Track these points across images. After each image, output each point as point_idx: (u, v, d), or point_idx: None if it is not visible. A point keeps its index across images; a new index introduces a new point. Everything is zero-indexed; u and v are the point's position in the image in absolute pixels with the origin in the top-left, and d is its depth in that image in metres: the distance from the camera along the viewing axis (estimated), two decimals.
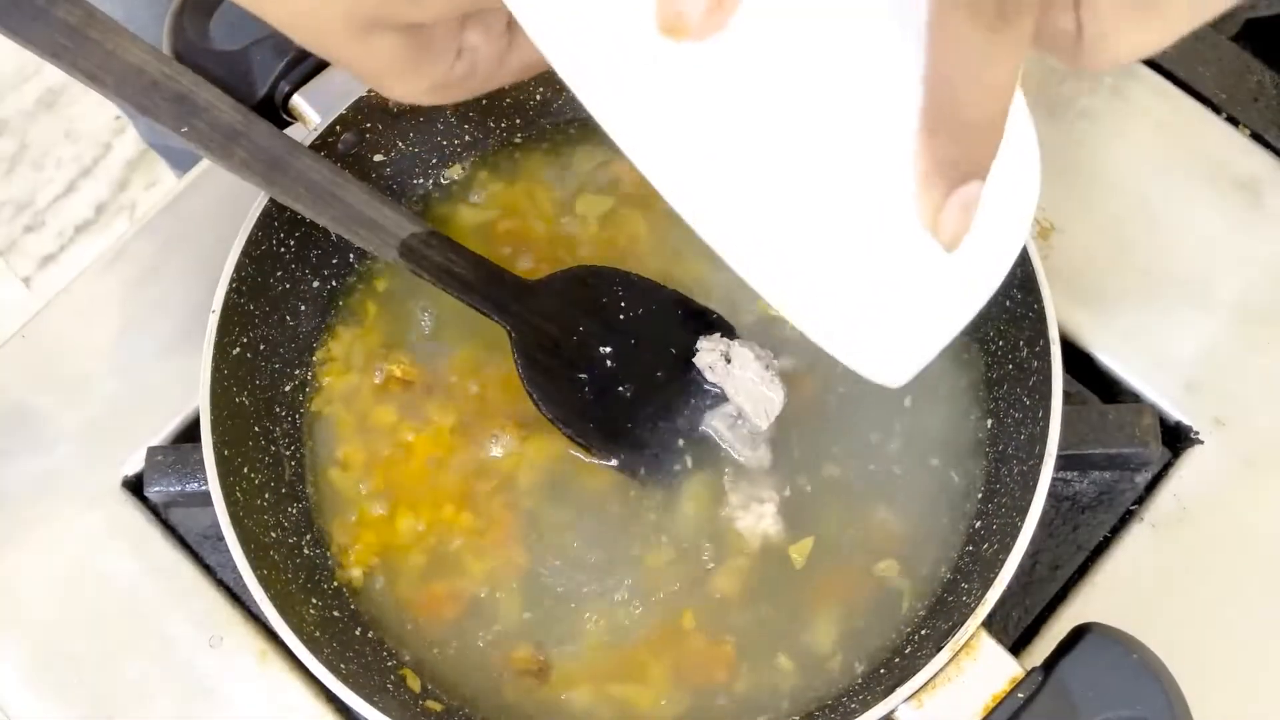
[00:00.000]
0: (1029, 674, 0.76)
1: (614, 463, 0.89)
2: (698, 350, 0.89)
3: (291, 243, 0.92)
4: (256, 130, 0.81)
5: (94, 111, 2.39)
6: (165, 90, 0.79)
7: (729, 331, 0.91)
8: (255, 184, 0.81)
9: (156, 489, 0.95)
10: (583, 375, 0.88)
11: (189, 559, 0.96)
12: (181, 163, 1.56)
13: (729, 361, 0.88)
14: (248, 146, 0.80)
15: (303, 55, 0.90)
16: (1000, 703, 0.76)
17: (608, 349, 0.88)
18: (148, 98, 0.79)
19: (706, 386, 0.90)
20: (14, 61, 2.46)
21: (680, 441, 0.90)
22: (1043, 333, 0.84)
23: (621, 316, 0.89)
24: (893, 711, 0.77)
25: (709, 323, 0.91)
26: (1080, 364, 0.96)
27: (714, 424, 0.90)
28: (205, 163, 1.07)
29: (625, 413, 0.89)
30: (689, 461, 0.90)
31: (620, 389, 0.89)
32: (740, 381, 0.88)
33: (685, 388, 0.90)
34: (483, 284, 0.85)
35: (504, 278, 0.87)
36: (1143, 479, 0.94)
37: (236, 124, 0.80)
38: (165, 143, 1.51)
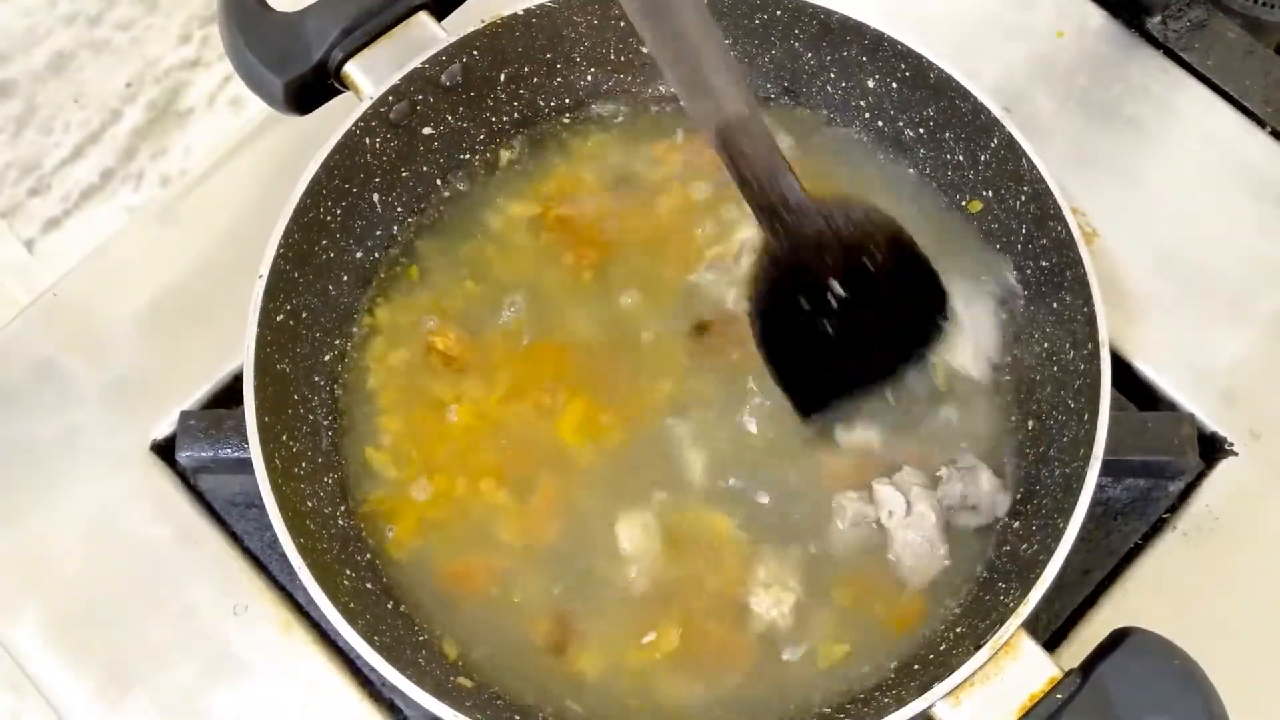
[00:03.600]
0: (1067, 675, 0.76)
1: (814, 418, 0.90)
2: (882, 486, 0.88)
3: (338, 212, 0.91)
4: None
5: (104, 77, 2.37)
6: None
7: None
8: (634, 20, 0.75)
9: (187, 454, 0.94)
10: (806, 308, 0.86)
11: (215, 526, 0.96)
12: None
13: (908, 512, 0.87)
14: None
15: (357, 23, 0.90)
16: (1038, 703, 0.76)
17: (842, 300, 0.85)
18: None
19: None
20: (24, 23, 2.43)
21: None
22: (1092, 336, 0.84)
23: (872, 275, 0.86)
24: (930, 708, 0.76)
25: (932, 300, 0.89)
26: (1117, 370, 0.96)
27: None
28: (248, 131, 1.07)
29: (824, 365, 0.88)
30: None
31: (830, 341, 0.87)
32: (906, 539, 0.87)
33: (887, 380, 0.90)
34: (772, 187, 0.81)
35: (795, 192, 0.82)
36: (1176, 488, 0.94)
37: None
38: None
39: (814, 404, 0.89)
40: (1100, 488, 0.92)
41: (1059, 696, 0.76)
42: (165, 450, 0.97)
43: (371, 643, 0.78)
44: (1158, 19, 1.05)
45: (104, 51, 2.39)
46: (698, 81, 0.77)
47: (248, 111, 2.13)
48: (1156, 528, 0.94)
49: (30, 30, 2.37)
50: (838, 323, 0.85)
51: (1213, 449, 0.95)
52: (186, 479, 0.97)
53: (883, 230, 0.85)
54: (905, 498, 0.87)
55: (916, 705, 0.76)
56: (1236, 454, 0.95)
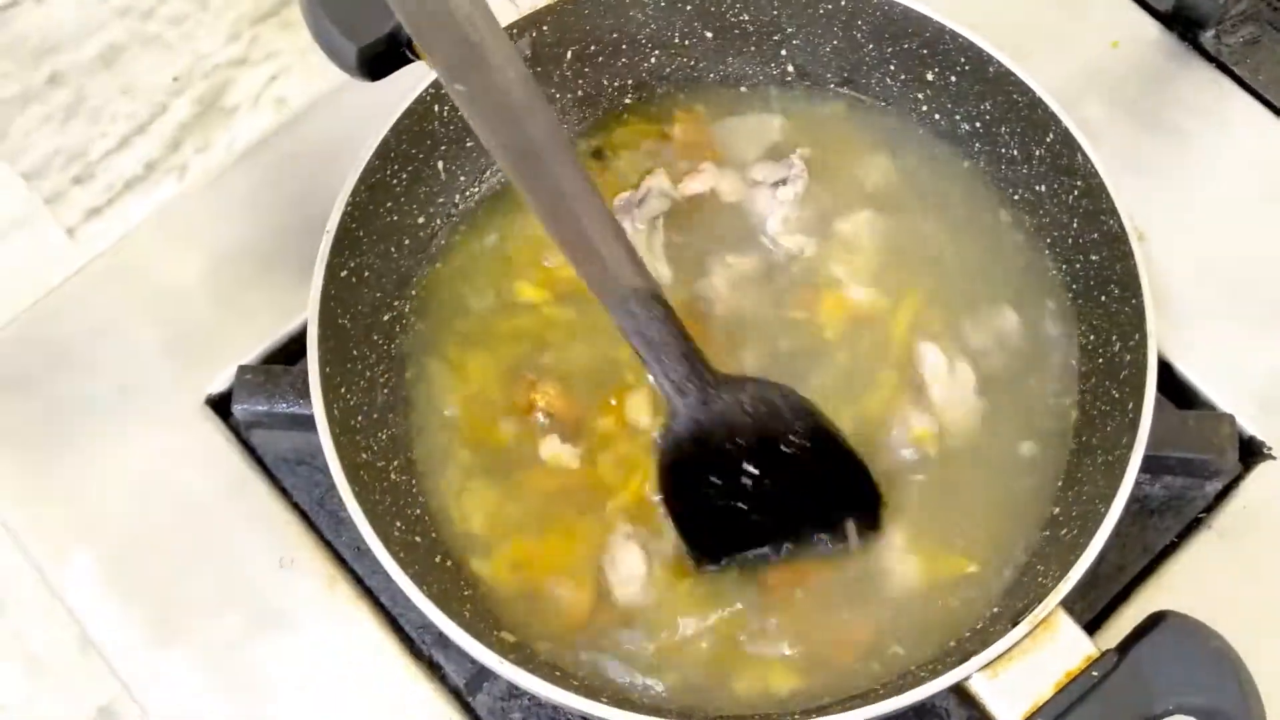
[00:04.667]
0: (1104, 654, 0.77)
1: (708, 569, 0.88)
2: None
3: (404, 176, 0.93)
4: (534, 118, 0.72)
5: (153, 71, 2.39)
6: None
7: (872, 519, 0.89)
8: (507, 172, 0.74)
9: (243, 407, 0.96)
10: (716, 481, 0.86)
11: (265, 480, 0.97)
12: None
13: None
14: (516, 130, 0.71)
15: None
16: (1074, 679, 0.77)
17: (754, 473, 0.86)
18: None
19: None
20: (77, 15, 2.46)
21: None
22: (1139, 328, 0.85)
23: (784, 450, 0.86)
24: (966, 680, 0.77)
25: (861, 499, 0.89)
26: (1158, 370, 0.97)
27: None
28: (303, 108, 1.09)
29: (737, 533, 0.88)
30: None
31: (744, 510, 0.87)
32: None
33: (801, 540, 0.89)
34: (677, 363, 0.82)
35: (701, 368, 0.82)
36: (1213, 488, 0.95)
37: (514, 101, 0.71)
38: None
39: (710, 557, 0.88)
40: (1137, 485, 0.92)
41: (1095, 674, 0.76)
42: (219, 405, 0.99)
43: (422, 590, 0.79)
44: (1211, 33, 1.07)
45: (154, 46, 2.42)
46: (592, 252, 0.76)
47: (292, 109, 2.16)
48: (1191, 526, 0.95)
49: (83, 22, 2.40)
50: (746, 499, 0.86)
51: (1250, 452, 0.96)
52: (239, 434, 0.99)
53: (797, 412, 0.85)
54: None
55: (953, 675, 0.77)
56: (1275, 458, 0.96)
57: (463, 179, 0.98)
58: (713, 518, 0.87)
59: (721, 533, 0.87)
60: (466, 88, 0.69)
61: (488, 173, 0.99)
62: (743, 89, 1.02)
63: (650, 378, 0.83)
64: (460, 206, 0.98)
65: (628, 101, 1.02)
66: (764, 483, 0.86)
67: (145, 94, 2.46)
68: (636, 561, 0.88)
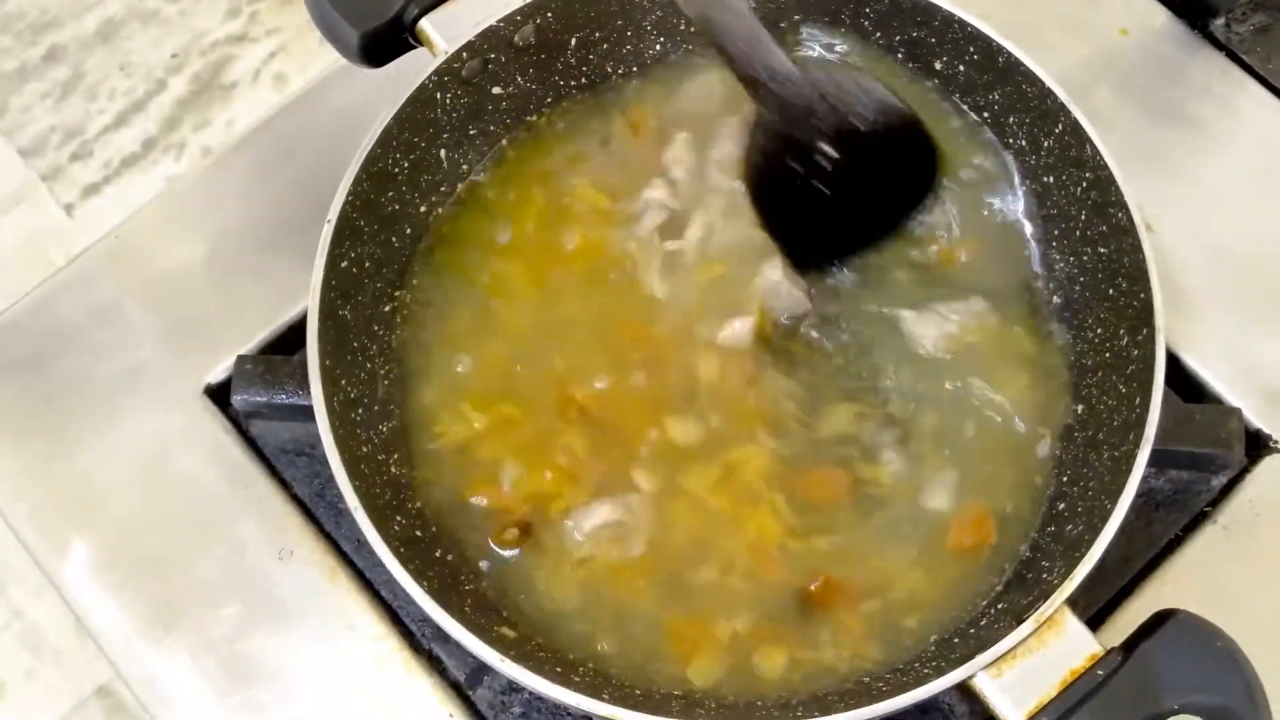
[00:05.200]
0: (1109, 653, 0.77)
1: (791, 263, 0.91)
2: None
3: (406, 165, 0.92)
4: None
5: (152, 47, 2.39)
6: None
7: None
8: None
9: (242, 397, 0.96)
10: (800, 171, 0.88)
11: (265, 471, 0.97)
12: None
13: None
14: None
15: None
16: (1079, 678, 0.76)
17: (834, 160, 0.88)
18: None
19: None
20: None
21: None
22: (1147, 321, 0.85)
23: (863, 137, 0.88)
24: (970, 678, 0.77)
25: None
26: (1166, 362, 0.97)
27: None
28: (303, 85, 1.08)
29: (819, 225, 0.91)
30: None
31: (824, 201, 0.89)
32: None
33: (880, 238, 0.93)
34: (753, 59, 0.84)
35: (783, 55, 0.85)
36: (1219, 482, 0.95)
37: None
38: None
39: (811, 262, 0.92)
40: (1143, 479, 0.92)
41: (1100, 673, 0.76)
42: (218, 394, 0.99)
43: (421, 585, 0.79)
44: (1221, 21, 1.06)
45: (153, 22, 2.41)
46: None
47: (291, 88, 2.15)
48: (1197, 520, 0.94)
49: None
50: (830, 183, 0.88)
51: (1257, 446, 0.96)
52: (238, 424, 0.98)
53: (871, 95, 0.88)
54: None
55: (958, 674, 0.77)
56: None
57: (464, 166, 0.97)
58: (798, 209, 0.90)
59: (813, 235, 0.91)
60: None
61: (488, 159, 0.98)
62: None
63: (735, 76, 0.85)
64: (463, 194, 0.97)
65: (634, 85, 1.00)
66: (843, 168, 0.88)
67: (143, 71, 2.46)
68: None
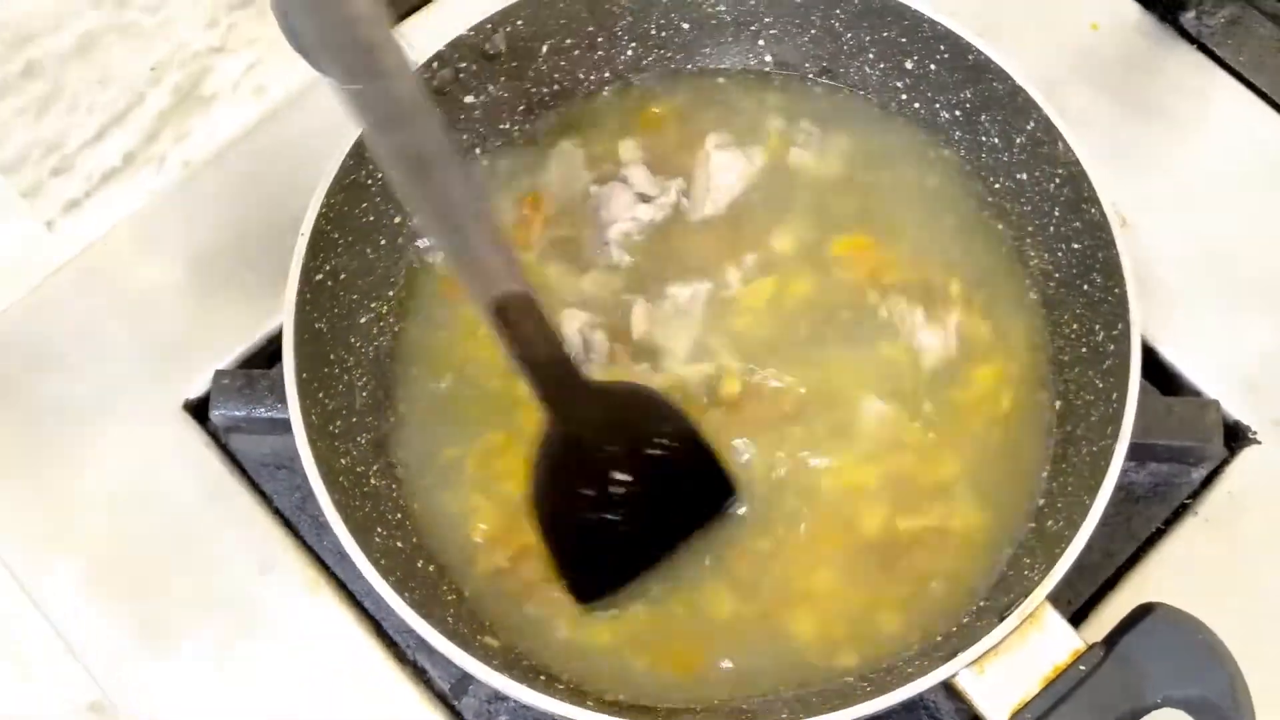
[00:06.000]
0: (1091, 648, 0.77)
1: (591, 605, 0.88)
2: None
3: (379, 175, 0.92)
4: (423, 122, 0.69)
5: (131, 59, 2.37)
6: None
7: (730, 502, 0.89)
8: (394, 177, 0.72)
9: (220, 412, 0.95)
10: (589, 493, 0.85)
11: (245, 485, 0.97)
12: None
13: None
14: (407, 135, 0.69)
15: None
16: (1061, 674, 0.76)
17: (627, 481, 0.86)
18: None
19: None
20: (53, 3, 2.44)
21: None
22: (1122, 316, 0.85)
23: (652, 453, 0.86)
24: (953, 676, 0.77)
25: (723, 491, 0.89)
26: (1143, 357, 0.96)
27: None
28: (282, 96, 1.08)
29: (609, 546, 0.87)
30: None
31: (616, 523, 0.86)
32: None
33: (663, 560, 0.88)
34: (549, 369, 0.81)
35: (573, 375, 0.82)
36: (1199, 474, 0.95)
37: (406, 107, 0.68)
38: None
39: (593, 593, 0.88)
40: (1123, 472, 0.92)
41: (1082, 668, 0.76)
42: (198, 410, 0.98)
43: (403, 597, 0.79)
44: (1192, 14, 1.06)
45: (130, 34, 2.40)
46: (471, 255, 0.75)
47: (271, 97, 2.15)
48: (1178, 513, 0.94)
49: (58, 11, 2.38)
50: (621, 509, 0.85)
51: (1236, 437, 0.96)
52: (218, 439, 0.98)
53: (665, 416, 0.86)
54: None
55: (941, 673, 0.77)
56: (1260, 443, 0.95)
57: None
58: (587, 539, 0.86)
59: (597, 560, 0.87)
60: (361, 88, 0.66)
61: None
62: (720, 80, 1.01)
63: (528, 387, 0.81)
64: None
65: (605, 94, 1.00)
66: (635, 489, 0.85)
67: (122, 83, 2.43)
68: None
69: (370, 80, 0.66)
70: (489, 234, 0.75)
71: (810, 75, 1.01)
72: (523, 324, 0.78)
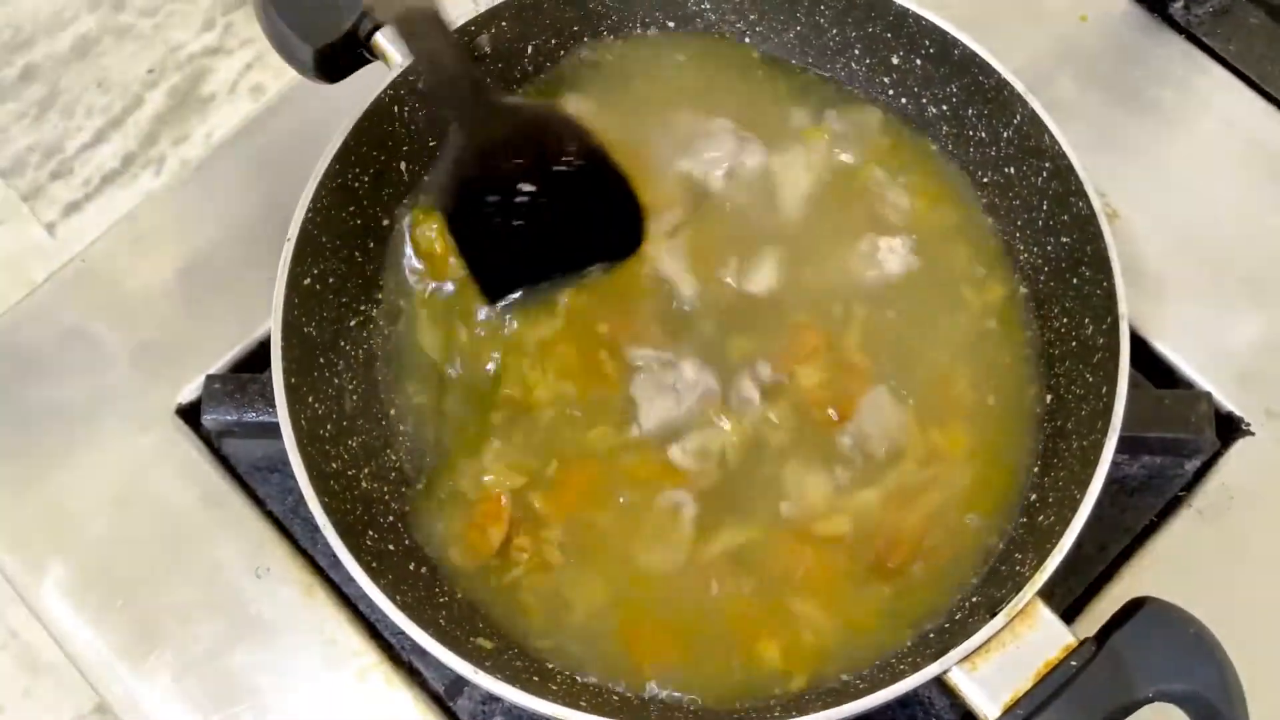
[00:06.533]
0: (1083, 643, 0.77)
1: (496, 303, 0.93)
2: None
3: (366, 179, 0.92)
4: None
5: (127, 62, 2.39)
6: None
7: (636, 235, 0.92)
8: None
9: (212, 416, 0.95)
10: (495, 199, 0.88)
11: (238, 489, 0.96)
12: None
13: None
14: None
15: None
16: (1053, 669, 0.76)
17: (531, 191, 0.88)
18: None
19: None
20: (50, 7, 2.45)
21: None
22: (1111, 310, 0.84)
23: (559, 169, 0.88)
24: (945, 673, 0.77)
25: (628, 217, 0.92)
26: (1134, 349, 0.96)
27: None
28: (269, 102, 1.08)
29: (511, 256, 0.91)
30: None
31: (517, 234, 0.89)
32: None
33: (572, 271, 0.93)
34: (458, 83, 0.84)
35: (481, 89, 0.84)
36: (1192, 466, 0.95)
37: None
38: None
39: (499, 289, 0.92)
40: (1116, 465, 0.92)
41: (1074, 663, 0.76)
42: (190, 414, 0.98)
43: (394, 600, 0.79)
44: (1181, 4, 1.06)
45: (127, 37, 2.41)
46: None
47: (268, 97, 2.15)
48: (1172, 505, 0.94)
49: (56, 14, 2.39)
50: (525, 218, 0.88)
51: (1229, 428, 0.96)
52: (211, 443, 0.98)
53: (573, 135, 0.87)
54: None
55: (933, 669, 0.77)
56: (1253, 434, 0.95)
57: (426, 179, 0.96)
58: (496, 242, 0.89)
59: (506, 261, 0.91)
60: None
61: None
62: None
63: (434, 101, 0.86)
64: (425, 206, 0.97)
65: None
66: (540, 201, 0.88)
67: (120, 86, 2.45)
68: None
69: None
70: None
71: (797, 70, 1.00)
72: (430, 38, 0.80)
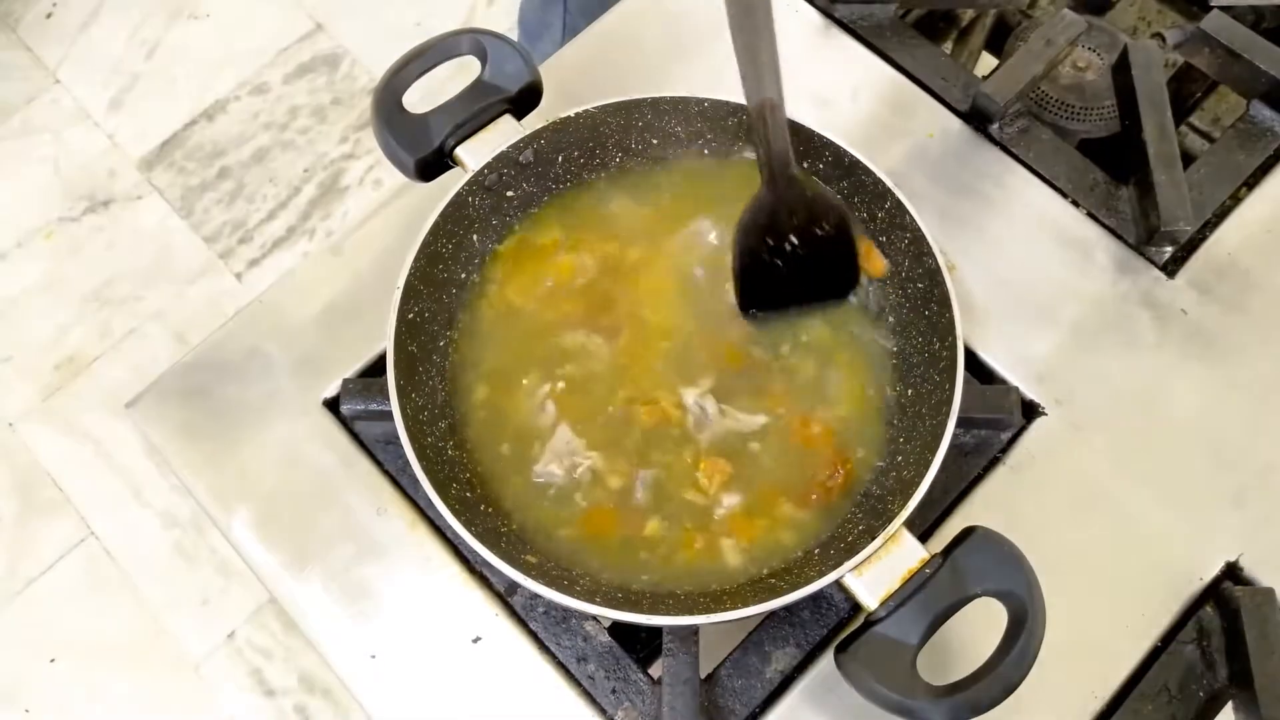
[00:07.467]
0: (933, 557, 0.77)
1: (749, 314, 0.90)
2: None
3: (449, 245, 0.91)
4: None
5: (289, 165, 2.39)
6: None
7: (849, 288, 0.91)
8: (730, 15, 0.74)
9: (348, 407, 0.94)
10: (769, 242, 0.86)
11: (366, 456, 0.96)
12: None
13: None
14: None
15: (465, 121, 0.90)
16: (913, 575, 0.77)
17: (795, 243, 0.86)
18: None
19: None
20: (238, 129, 2.45)
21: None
22: (951, 331, 0.84)
23: (818, 231, 0.86)
24: (841, 577, 0.77)
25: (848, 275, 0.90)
26: (967, 358, 0.97)
27: None
28: (388, 196, 1.07)
29: (770, 291, 0.89)
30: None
31: (779, 269, 0.87)
32: None
33: (804, 306, 0.91)
34: (776, 156, 0.82)
35: (788, 165, 0.83)
36: (1006, 436, 0.94)
37: None
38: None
39: (750, 305, 0.90)
40: (955, 437, 0.92)
41: (927, 571, 0.76)
42: (333, 405, 0.97)
43: (470, 530, 0.79)
44: (996, 126, 1.06)
45: (290, 148, 2.41)
46: (756, 69, 0.77)
47: (385, 189, 2.14)
48: (992, 463, 0.94)
49: (241, 133, 2.39)
50: (784, 260, 0.87)
51: (1030, 411, 0.95)
52: (347, 425, 0.97)
53: (836, 212, 0.86)
54: None
55: (834, 575, 0.77)
56: (1046, 414, 0.95)
57: (490, 245, 0.96)
58: (760, 272, 0.87)
59: (761, 289, 0.88)
60: None
61: (504, 238, 0.97)
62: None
63: (759, 163, 0.83)
64: (488, 262, 0.96)
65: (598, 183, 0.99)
66: (799, 252, 0.86)
67: (285, 181, 2.45)
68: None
69: None
70: (773, 58, 0.76)
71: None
72: (771, 121, 0.79)
